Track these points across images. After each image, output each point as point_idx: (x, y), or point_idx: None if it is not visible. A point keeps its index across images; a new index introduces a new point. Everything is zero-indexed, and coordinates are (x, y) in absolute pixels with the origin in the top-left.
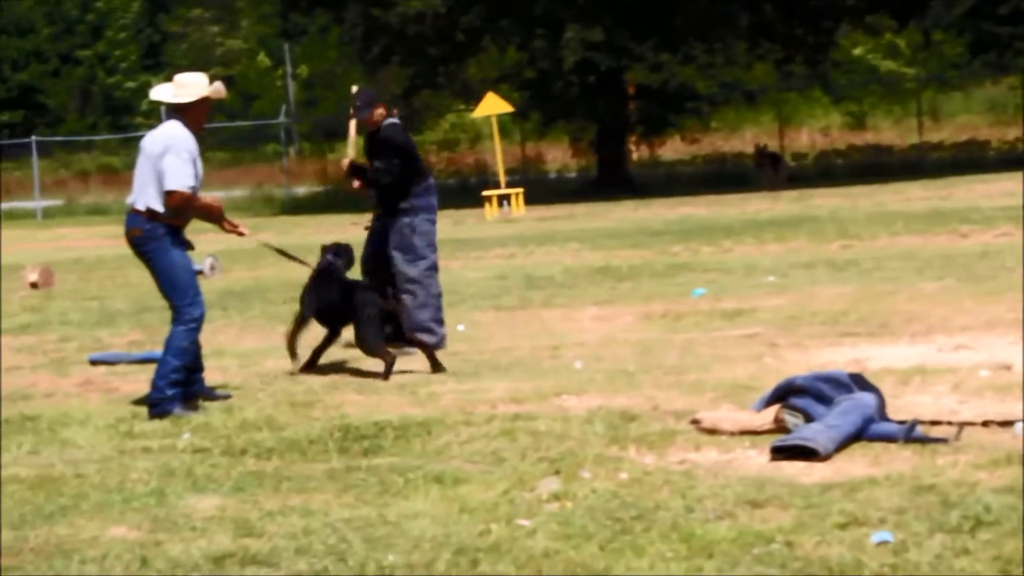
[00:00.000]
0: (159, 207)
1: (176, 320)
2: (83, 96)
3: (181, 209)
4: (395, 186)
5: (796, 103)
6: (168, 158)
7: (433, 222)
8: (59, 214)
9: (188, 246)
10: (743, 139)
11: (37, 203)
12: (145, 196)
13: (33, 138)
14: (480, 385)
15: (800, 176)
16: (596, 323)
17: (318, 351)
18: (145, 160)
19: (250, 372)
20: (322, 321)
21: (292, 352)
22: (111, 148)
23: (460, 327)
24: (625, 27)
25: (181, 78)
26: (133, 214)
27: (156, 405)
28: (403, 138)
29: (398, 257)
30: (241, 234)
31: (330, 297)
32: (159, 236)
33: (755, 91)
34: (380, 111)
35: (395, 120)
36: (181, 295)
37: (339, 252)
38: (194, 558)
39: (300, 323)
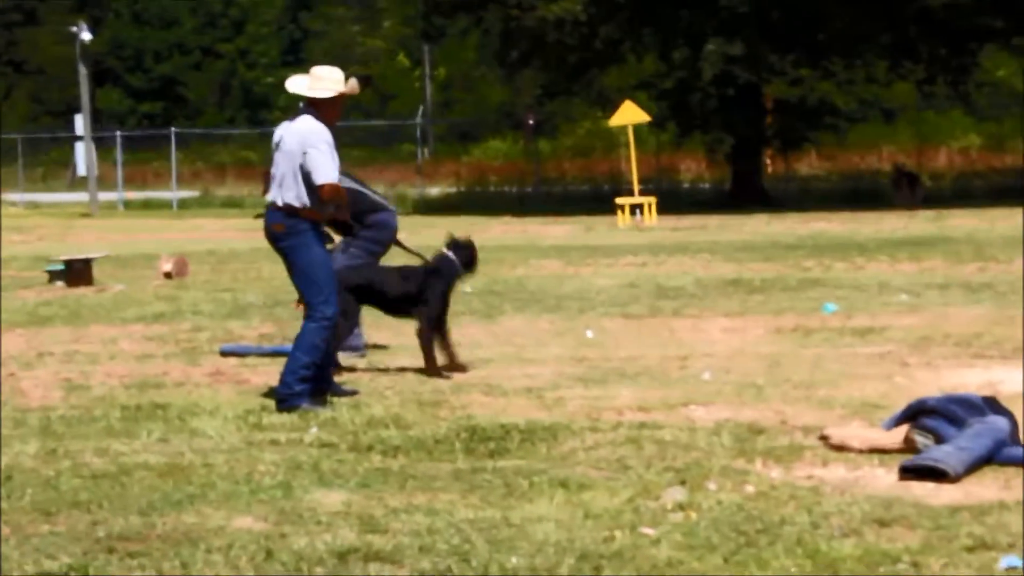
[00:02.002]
0: (298, 203)
1: (309, 317)
2: (223, 89)
3: (334, 201)
4: None
5: (935, 122)
6: (311, 153)
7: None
8: (195, 205)
9: (328, 240)
10: (880, 157)
11: (174, 193)
12: (285, 192)
13: (172, 129)
14: (607, 392)
15: (937, 196)
16: (726, 335)
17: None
18: (283, 156)
19: (378, 370)
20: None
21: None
22: (248, 142)
23: (589, 333)
24: (766, 41)
25: (318, 71)
26: (273, 210)
27: (284, 400)
28: None
29: None
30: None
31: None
32: (301, 231)
33: (894, 109)
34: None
35: None
36: (317, 292)
37: (458, 247)
38: (319, 552)
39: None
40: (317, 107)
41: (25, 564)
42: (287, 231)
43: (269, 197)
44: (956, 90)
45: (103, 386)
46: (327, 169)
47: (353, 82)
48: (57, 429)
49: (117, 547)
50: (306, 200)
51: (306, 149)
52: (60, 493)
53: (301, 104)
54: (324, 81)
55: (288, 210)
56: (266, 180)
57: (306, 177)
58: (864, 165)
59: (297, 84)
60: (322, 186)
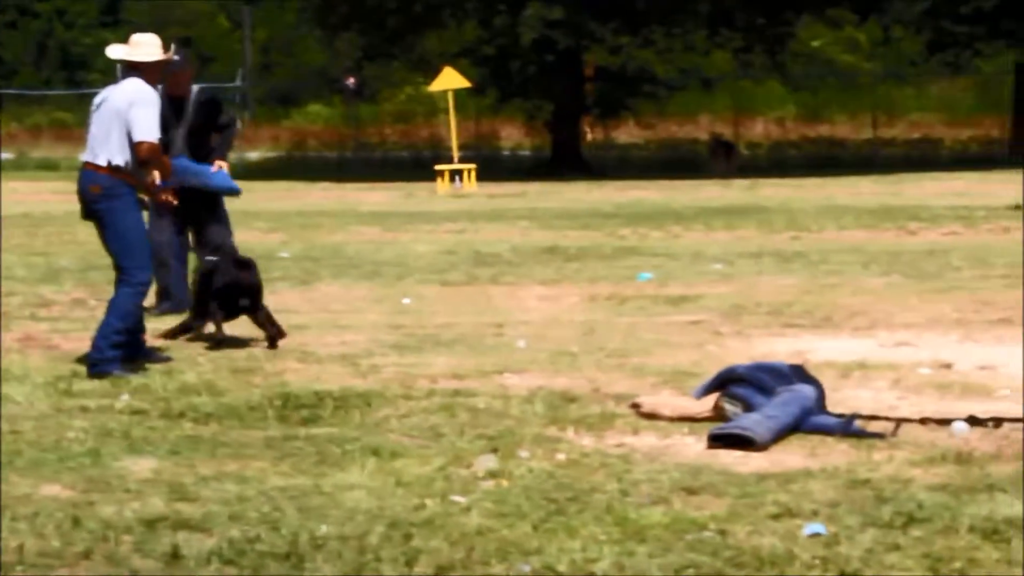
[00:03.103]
0: (122, 161)
1: (123, 282)
2: (39, 50)
3: (149, 160)
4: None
5: (752, 92)
6: (136, 110)
7: None
8: (9, 168)
9: (143, 206)
10: (698, 126)
11: None
12: (107, 150)
13: None
14: (422, 359)
15: (753, 165)
16: (541, 303)
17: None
18: (108, 114)
19: (191, 336)
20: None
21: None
22: (65, 103)
23: (406, 300)
24: (586, 8)
25: (137, 38)
26: (90, 170)
27: (96, 365)
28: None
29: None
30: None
31: None
32: (120, 194)
33: (712, 78)
34: (187, 74)
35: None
36: (131, 257)
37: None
38: (127, 520)
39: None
40: (140, 71)
41: None
42: (104, 192)
43: (85, 157)
44: (773, 60)
45: None
46: (149, 127)
47: (174, 47)
48: None
49: None
50: (129, 161)
51: (132, 106)
52: None
53: (121, 69)
54: (144, 47)
55: (110, 170)
56: None
57: (129, 136)
58: (682, 134)
59: (118, 51)
60: (140, 143)
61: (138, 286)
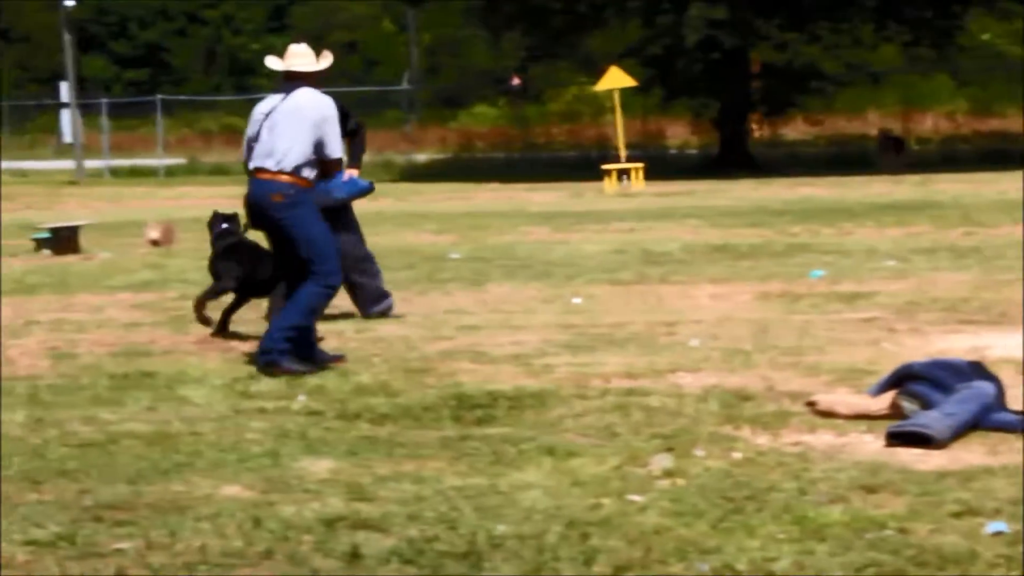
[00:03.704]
0: (309, 172)
1: (314, 280)
2: (208, 56)
3: (333, 175)
4: None
5: (921, 87)
6: (330, 126)
7: None
8: (181, 172)
9: None
10: (866, 121)
11: (160, 161)
12: (291, 159)
13: (158, 96)
14: (595, 359)
15: (923, 161)
16: (713, 301)
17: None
18: (299, 124)
19: (365, 337)
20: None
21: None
22: (234, 108)
23: (577, 300)
24: (751, 5)
25: (296, 48)
26: (268, 179)
27: (267, 353)
28: None
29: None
30: None
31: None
32: (305, 202)
33: (880, 73)
34: None
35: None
36: (325, 261)
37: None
38: (306, 520)
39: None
40: (305, 80)
41: (13, 533)
42: (288, 201)
43: (257, 165)
44: (941, 53)
45: (91, 354)
46: (340, 143)
47: (325, 54)
48: (45, 398)
49: (105, 516)
50: (314, 171)
51: (325, 122)
52: (48, 462)
53: (285, 77)
54: (307, 57)
55: (295, 178)
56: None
57: (317, 148)
58: (851, 129)
59: (302, 62)
60: (337, 160)
61: (328, 288)
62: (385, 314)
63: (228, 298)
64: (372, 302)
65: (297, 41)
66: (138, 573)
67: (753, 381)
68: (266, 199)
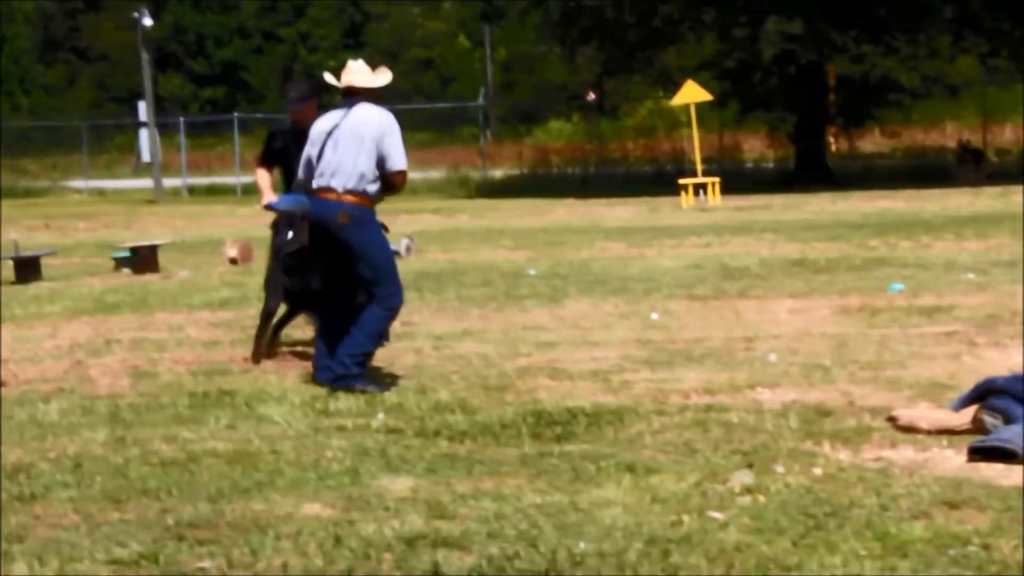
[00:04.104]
0: (373, 189)
1: (377, 303)
2: (284, 74)
3: (400, 188)
4: None
5: (1000, 98)
6: (391, 139)
7: None
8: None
9: (384, 229)
10: (944, 133)
11: (237, 179)
12: (355, 178)
13: (235, 115)
14: (673, 375)
15: (1002, 172)
16: (791, 316)
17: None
18: (362, 141)
19: (443, 355)
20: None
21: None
22: None
23: (654, 315)
24: (827, 18)
25: (355, 64)
26: (333, 199)
27: (341, 379)
28: None
29: None
30: None
31: None
32: (370, 220)
33: (958, 85)
34: (312, 106)
35: None
36: (387, 282)
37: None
38: (387, 538)
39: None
40: (369, 96)
41: (96, 552)
42: (354, 221)
43: (324, 183)
44: (1019, 64)
45: (170, 373)
46: (402, 154)
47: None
48: (126, 416)
49: (186, 534)
50: (378, 187)
51: (385, 136)
52: (129, 481)
53: (345, 93)
54: (364, 72)
55: (360, 198)
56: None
57: (380, 164)
58: (928, 142)
59: (364, 78)
60: (402, 172)
61: (390, 310)
62: None
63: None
64: None
65: (372, 58)
66: None
67: (833, 396)
68: (332, 219)
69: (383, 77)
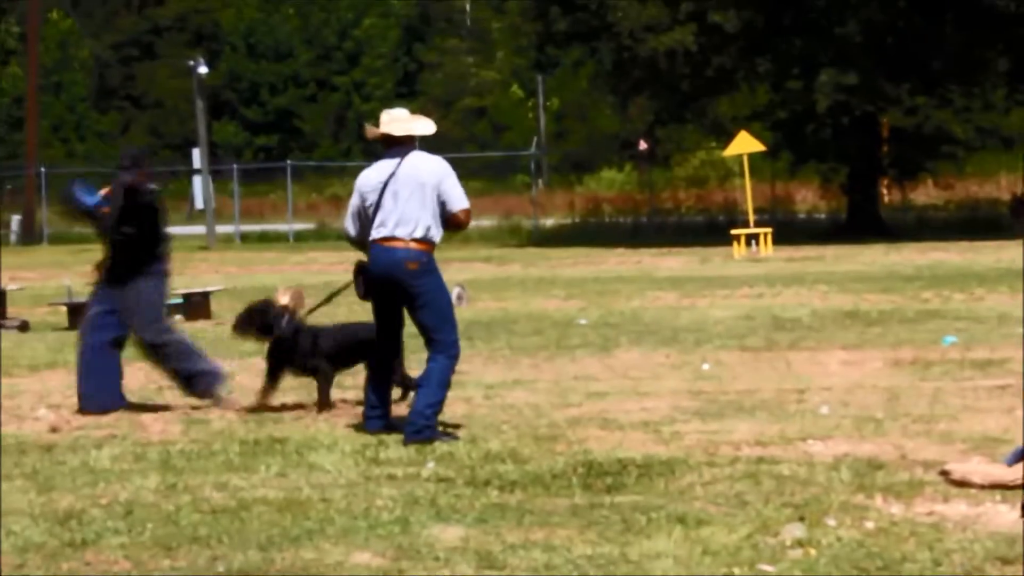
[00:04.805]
0: (438, 236)
1: (442, 352)
2: (338, 122)
3: (465, 226)
4: (140, 249)
5: None
6: (450, 181)
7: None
8: (311, 238)
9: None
10: (998, 185)
11: (290, 226)
12: (422, 226)
13: (288, 162)
14: (724, 426)
15: None
16: (843, 368)
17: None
18: (423, 189)
19: (494, 404)
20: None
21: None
22: None
23: (705, 366)
24: (881, 70)
25: (398, 113)
26: (402, 247)
27: (421, 432)
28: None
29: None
30: None
31: None
32: (434, 269)
33: (1013, 137)
34: (140, 175)
35: (152, 187)
36: (451, 328)
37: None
38: None
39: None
40: (405, 144)
41: None
42: (422, 268)
43: (388, 233)
44: None
45: (222, 420)
46: (464, 194)
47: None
48: (177, 463)
49: None
50: (440, 231)
51: (443, 180)
52: (180, 528)
53: (393, 142)
54: (405, 121)
55: (427, 245)
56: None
57: (442, 208)
58: (982, 194)
59: (424, 127)
60: (467, 209)
61: (453, 358)
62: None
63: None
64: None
65: (425, 107)
66: None
67: (885, 449)
68: (400, 267)
69: (422, 124)
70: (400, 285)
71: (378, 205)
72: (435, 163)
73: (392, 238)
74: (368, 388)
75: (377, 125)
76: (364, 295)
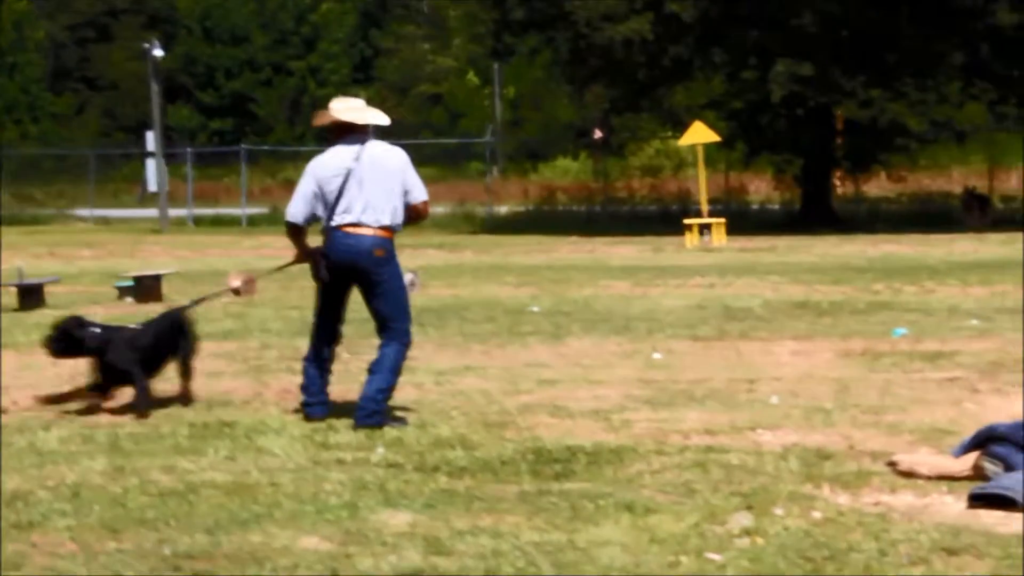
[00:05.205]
0: (400, 223)
1: (396, 339)
2: (293, 107)
3: (424, 217)
4: None
5: (1007, 144)
6: (411, 171)
7: None
8: (264, 222)
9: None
10: (951, 179)
11: (243, 210)
12: (388, 213)
13: (242, 146)
14: (674, 415)
15: (1008, 219)
16: (794, 358)
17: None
18: (388, 176)
19: (444, 390)
20: None
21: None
22: None
23: (656, 355)
24: (836, 62)
25: (355, 102)
26: (370, 235)
27: (372, 416)
28: None
29: None
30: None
31: None
32: (395, 257)
33: (966, 130)
34: None
35: None
36: (406, 316)
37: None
38: (384, 573)
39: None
40: (364, 133)
41: None
42: (386, 256)
43: (355, 219)
44: None
45: (171, 403)
46: (423, 186)
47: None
48: (125, 446)
49: (183, 565)
50: (401, 223)
51: (406, 168)
52: (127, 510)
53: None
54: (365, 109)
55: (391, 233)
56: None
57: (404, 196)
58: (935, 187)
59: (378, 117)
60: (426, 201)
61: (406, 345)
62: None
63: None
64: None
65: (381, 93)
66: None
67: (834, 440)
68: (366, 255)
69: (380, 115)
70: (362, 272)
71: (341, 191)
72: (398, 152)
73: (359, 224)
74: (312, 376)
75: (327, 112)
76: (326, 279)
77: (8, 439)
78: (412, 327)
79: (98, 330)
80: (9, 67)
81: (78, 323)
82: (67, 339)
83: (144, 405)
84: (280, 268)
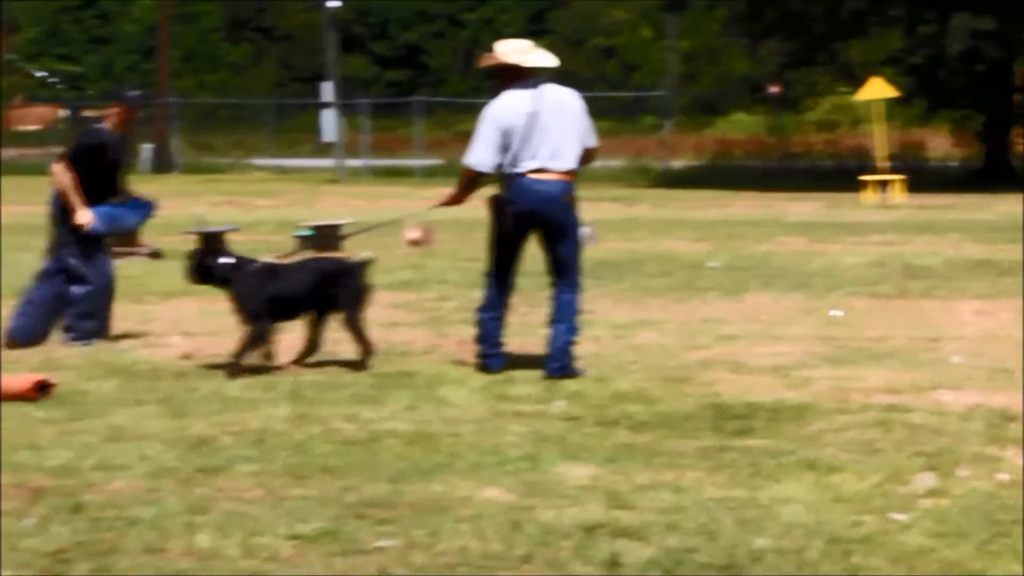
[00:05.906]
0: (578, 168)
1: (573, 288)
2: (466, 58)
3: (591, 163)
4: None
5: None
6: (586, 115)
7: None
8: (439, 173)
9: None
10: None
11: (419, 162)
12: (574, 158)
13: (415, 98)
14: (855, 372)
15: None
16: (976, 317)
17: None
18: (570, 120)
19: (622, 344)
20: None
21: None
22: None
23: (836, 312)
24: (1017, 16)
25: (521, 44)
26: (559, 180)
27: (565, 368)
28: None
29: None
30: None
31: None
32: (576, 201)
33: None
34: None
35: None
36: (578, 264)
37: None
38: (566, 525)
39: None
40: (535, 74)
41: (278, 526)
42: (572, 202)
43: (542, 165)
44: None
45: (352, 353)
46: (594, 130)
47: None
48: (307, 394)
49: (367, 513)
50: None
51: (583, 111)
52: (311, 457)
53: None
54: (534, 51)
55: (574, 179)
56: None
57: (582, 140)
58: None
59: (547, 59)
60: (597, 148)
61: (580, 293)
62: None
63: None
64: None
65: (554, 45)
66: (399, 572)
67: (1018, 401)
68: (556, 201)
69: (548, 56)
70: (549, 218)
71: (525, 136)
72: (574, 95)
73: (545, 170)
74: (491, 328)
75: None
76: (510, 229)
77: (193, 384)
78: (587, 280)
79: (231, 260)
80: (187, 17)
81: (210, 252)
82: (199, 267)
83: (248, 352)
84: (435, 207)
